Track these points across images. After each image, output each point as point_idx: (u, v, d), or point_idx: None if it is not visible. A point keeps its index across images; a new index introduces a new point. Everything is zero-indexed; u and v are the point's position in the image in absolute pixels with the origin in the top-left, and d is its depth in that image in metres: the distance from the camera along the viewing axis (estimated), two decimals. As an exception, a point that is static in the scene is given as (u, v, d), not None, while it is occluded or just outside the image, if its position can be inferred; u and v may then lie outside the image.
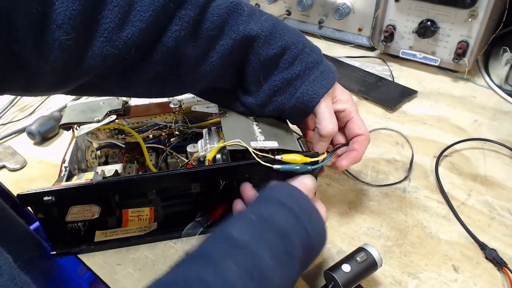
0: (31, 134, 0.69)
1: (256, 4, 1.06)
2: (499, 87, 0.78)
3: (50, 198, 0.41)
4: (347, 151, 0.48)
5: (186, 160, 0.53)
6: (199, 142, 0.52)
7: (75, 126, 0.53)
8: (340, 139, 0.49)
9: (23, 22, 0.33)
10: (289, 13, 1.02)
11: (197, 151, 0.51)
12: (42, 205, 0.42)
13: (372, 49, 0.93)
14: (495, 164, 0.61)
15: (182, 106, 0.56)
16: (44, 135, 0.69)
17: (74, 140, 0.52)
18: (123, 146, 0.56)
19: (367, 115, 0.73)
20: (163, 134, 0.58)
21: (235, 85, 0.48)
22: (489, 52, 0.85)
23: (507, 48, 0.76)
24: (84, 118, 0.53)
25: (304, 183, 0.43)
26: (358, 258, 0.42)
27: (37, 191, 0.41)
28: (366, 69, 0.85)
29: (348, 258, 0.43)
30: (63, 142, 0.71)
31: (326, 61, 0.47)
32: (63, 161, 0.49)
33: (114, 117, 0.53)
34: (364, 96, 0.77)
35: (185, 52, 0.42)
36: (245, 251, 0.32)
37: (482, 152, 0.63)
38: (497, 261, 0.46)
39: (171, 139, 0.58)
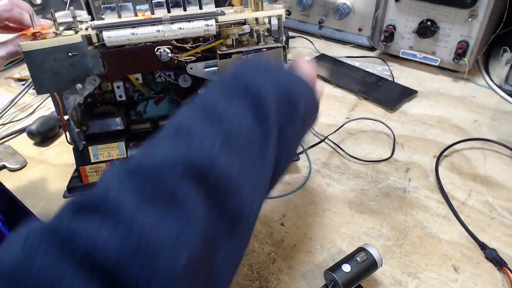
0: (31, 134, 0.69)
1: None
2: (499, 87, 0.78)
3: None
4: None
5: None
6: None
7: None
8: None
9: None
10: (289, 13, 1.02)
11: None
12: None
13: (372, 49, 0.93)
14: (495, 164, 0.61)
15: (176, 62, 0.51)
16: (44, 135, 0.69)
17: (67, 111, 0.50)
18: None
19: (367, 115, 0.73)
20: None
21: None
22: (489, 52, 0.85)
23: (507, 48, 0.76)
24: (61, 84, 0.47)
25: None
26: (358, 258, 0.42)
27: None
28: (366, 69, 0.85)
29: (348, 258, 0.43)
30: (64, 142, 0.71)
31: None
32: (64, 126, 0.49)
33: (97, 81, 0.48)
34: (364, 96, 0.77)
35: None
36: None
37: (482, 152, 0.63)
38: (497, 261, 0.46)
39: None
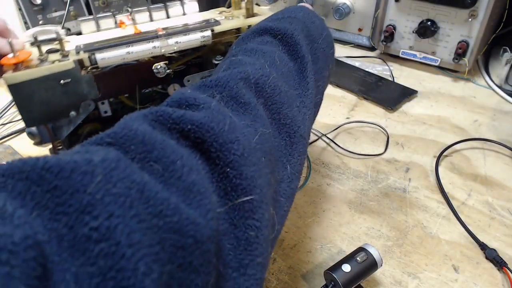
0: (31, 134, 0.69)
1: (256, 4, 1.06)
2: (499, 87, 0.78)
3: None
4: None
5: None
6: None
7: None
8: None
9: None
10: (289, 13, 1.02)
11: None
12: None
13: (372, 49, 0.93)
14: (495, 164, 0.61)
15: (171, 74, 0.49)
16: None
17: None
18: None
19: (367, 115, 0.73)
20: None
21: None
22: (489, 52, 0.85)
23: (507, 48, 0.76)
24: (53, 114, 0.43)
25: None
26: (358, 258, 0.42)
27: None
28: (366, 69, 0.85)
29: (348, 258, 0.43)
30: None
31: None
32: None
33: (93, 105, 0.45)
34: (364, 96, 0.77)
35: None
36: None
37: (482, 152, 0.63)
38: (497, 261, 0.46)
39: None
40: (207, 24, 0.48)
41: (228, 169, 0.25)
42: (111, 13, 0.49)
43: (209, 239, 0.21)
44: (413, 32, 0.82)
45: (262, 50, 0.36)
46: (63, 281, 0.16)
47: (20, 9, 0.90)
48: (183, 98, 0.28)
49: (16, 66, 0.40)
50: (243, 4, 0.55)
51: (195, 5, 0.53)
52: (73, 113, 0.43)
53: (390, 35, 0.85)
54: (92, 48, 0.43)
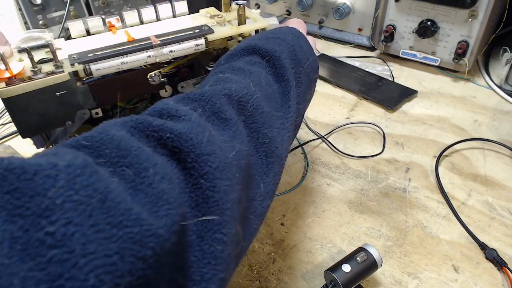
0: (31, 134, 0.69)
1: (256, 4, 1.06)
2: (499, 87, 0.78)
3: None
4: None
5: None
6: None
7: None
8: None
9: None
10: (289, 13, 1.02)
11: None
12: None
13: (372, 49, 0.93)
14: (495, 164, 0.61)
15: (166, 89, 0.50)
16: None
17: None
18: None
19: (367, 115, 0.73)
20: None
21: None
22: (489, 52, 0.85)
23: (507, 48, 0.76)
24: (49, 125, 0.43)
25: None
26: (358, 258, 0.43)
27: None
28: (366, 69, 0.85)
29: (348, 258, 0.43)
30: (63, 142, 0.71)
31: None
32: None
33: (88, 114, 0.45)
34: (364, 96, 0.77)
35: None
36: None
37: (482, 152, 0.63)
38: (497, 261, 0.46)
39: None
40: (200, 32, 0.47)
41: (202, 181, 0.25)
42: (99, 16, 0.49)
43: (168, 252, 0.21)
44: (413, 32, 0.82)
45: (250, 70, 0.37)
46: (10, 285, 0.15)
47: (20, 9, 0.90)
48: (165, 109, 0.28)
49: (10, 81, 0.40)
50: (233, 6, 0.55)
51: (185, 6, 0.53)
52: (69, 122, 0.43)
53: (390, 35, 0.85)
54: (87, 60, 0.42)
